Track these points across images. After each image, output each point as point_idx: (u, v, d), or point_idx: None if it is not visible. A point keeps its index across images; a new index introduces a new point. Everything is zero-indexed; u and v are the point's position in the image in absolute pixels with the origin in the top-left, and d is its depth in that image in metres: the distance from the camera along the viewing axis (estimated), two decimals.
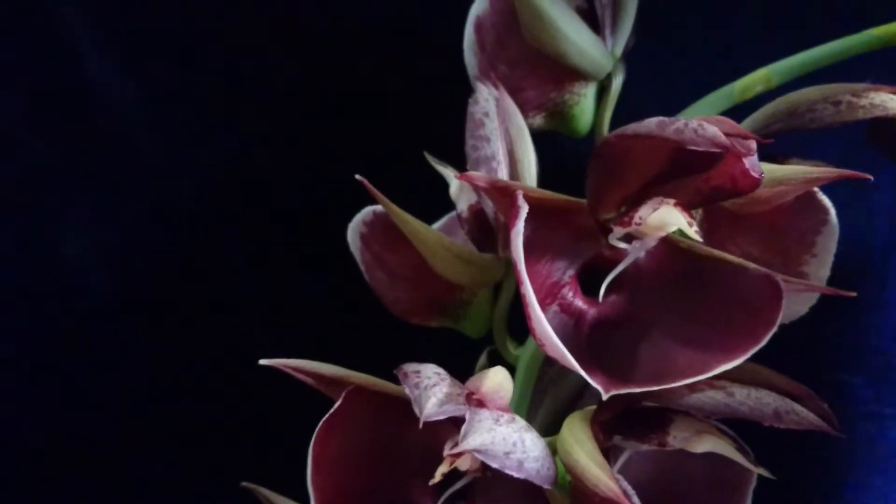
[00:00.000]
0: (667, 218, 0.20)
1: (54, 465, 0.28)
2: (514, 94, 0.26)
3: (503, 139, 0.25)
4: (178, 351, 0.27)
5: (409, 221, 0.23)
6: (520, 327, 0.23)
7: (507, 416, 0.19)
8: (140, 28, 0.27)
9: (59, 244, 0.26)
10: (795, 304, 0.23)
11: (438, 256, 0.23)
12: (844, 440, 0.34)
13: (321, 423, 0.20)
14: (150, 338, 0.28)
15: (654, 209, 0.20)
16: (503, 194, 0.20)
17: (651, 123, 0.19)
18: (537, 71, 0.26)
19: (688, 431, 0.21)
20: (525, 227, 0.21)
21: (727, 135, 0.19)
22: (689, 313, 0.22)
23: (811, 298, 0.23)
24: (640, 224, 0.21)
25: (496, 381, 0.19)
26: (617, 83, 0.26)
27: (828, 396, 0.34)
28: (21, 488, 0.27)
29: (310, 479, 0.20)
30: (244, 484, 0.23)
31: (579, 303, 0.22)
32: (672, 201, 0.20)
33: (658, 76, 0.30)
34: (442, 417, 0.18)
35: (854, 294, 0.22)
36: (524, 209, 0.20)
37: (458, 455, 0.19)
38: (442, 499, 0.21)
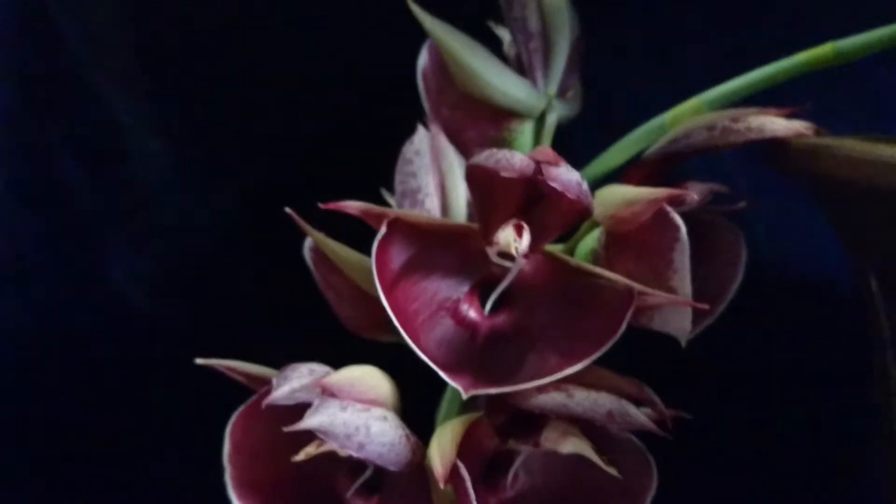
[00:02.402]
0: (507, 237, 0.22)
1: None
2: (459, 134, 0.29)
3: (435, 174, 0.28)
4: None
5: (330, 246, 0.26)
6: None
7: (359, 405, 0.22)
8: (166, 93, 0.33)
9: (101, 271, 0.33)
10: (675, 318, 0.24)
11: (364, 279, 0.27)
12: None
13: (240, 410, 0.24)
14: (178, 349, 0.32)
15: (503, 230, 0.23)
16: (377, 220, 0.24)
17: (483, 155, 0.22)
18: (474, 113, 0.29)
19: (556, 433, 0.23)
20: (410, 248, 0.24)
21: (538, 161, 0.21)
22: (566, 325, 0.24)
23: (686, 311, 0.24)
24: (498, 244, 0.23)
25: (349, 375, 0.23)
26: (552, 119, 0.29)
27: None
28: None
29: (227, 458, 0.24)
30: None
31: (474, 316, 0.24)
32: (513, 222, 0.22)
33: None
34: (289, 402, 0.21)
35: (707, 306, 0.23)
36: (382, 231, 0.23)
37: (319, 441, 0.22)
38: (353, 488, 0.25)
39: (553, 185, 0.21)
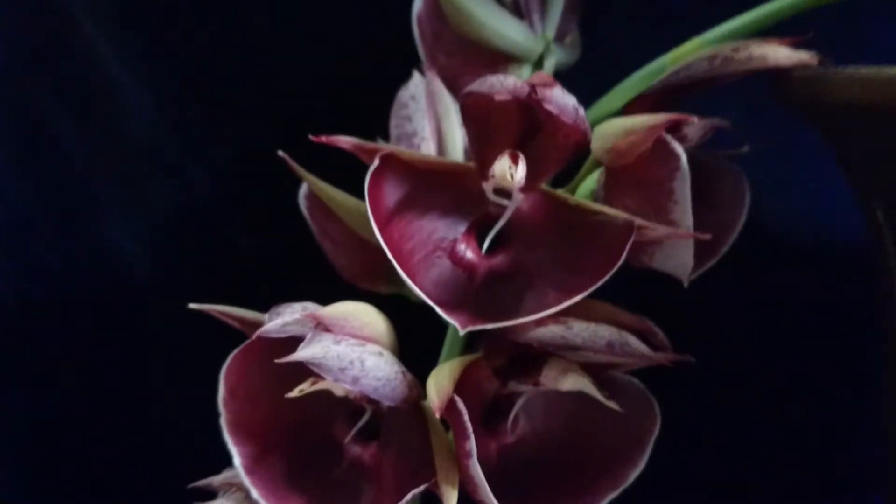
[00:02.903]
0: (503, 167, 0.22)
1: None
2: (456, 79, 0.28)
3: (431, 119, 0.28)
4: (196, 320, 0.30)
5: (326, 190, 0.26)
6: None
7: (353, 340, 0.21)
8: (158, 51, 0.33)
9: (97, 230, 0.33)
10: (676, 253, 0.23)
11: (361, 224, 0.26)
12: None
13: (235, 353, 0.24)
14: (177, 306, 0.32)
15: (499, 162, 0.22)
16: (370, 155, 0.23)
17: (476, 82, 0.22)
18: (470, 57, 0.28)
19: (556, 371, 0.23)
20: (404, 186, 0.24)
21: (532, 84, 0.20)
22: (564, 262, 0.23)
23: (688, 245, 0.23)
24: (493, 177, 0.23)
25: (342, 310, 0.22)
26: (550, 63, 0.28)
27: None
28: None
29: (222, 402, 0.23)
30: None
31: (471, 257, 0.24)
32: (509, 151, 0.22)
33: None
34: (281, 335, 0.21)
35: (708, 236, 0.22)
36: (375, 165, 0.22)
37: (316, 376, 0.21)
38: (352, 432, 0.24)
39: (548, 107, 0.21)
